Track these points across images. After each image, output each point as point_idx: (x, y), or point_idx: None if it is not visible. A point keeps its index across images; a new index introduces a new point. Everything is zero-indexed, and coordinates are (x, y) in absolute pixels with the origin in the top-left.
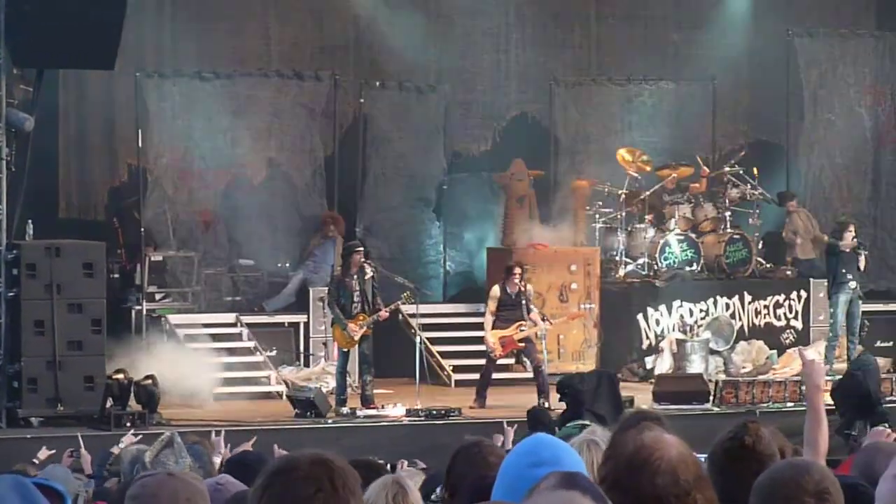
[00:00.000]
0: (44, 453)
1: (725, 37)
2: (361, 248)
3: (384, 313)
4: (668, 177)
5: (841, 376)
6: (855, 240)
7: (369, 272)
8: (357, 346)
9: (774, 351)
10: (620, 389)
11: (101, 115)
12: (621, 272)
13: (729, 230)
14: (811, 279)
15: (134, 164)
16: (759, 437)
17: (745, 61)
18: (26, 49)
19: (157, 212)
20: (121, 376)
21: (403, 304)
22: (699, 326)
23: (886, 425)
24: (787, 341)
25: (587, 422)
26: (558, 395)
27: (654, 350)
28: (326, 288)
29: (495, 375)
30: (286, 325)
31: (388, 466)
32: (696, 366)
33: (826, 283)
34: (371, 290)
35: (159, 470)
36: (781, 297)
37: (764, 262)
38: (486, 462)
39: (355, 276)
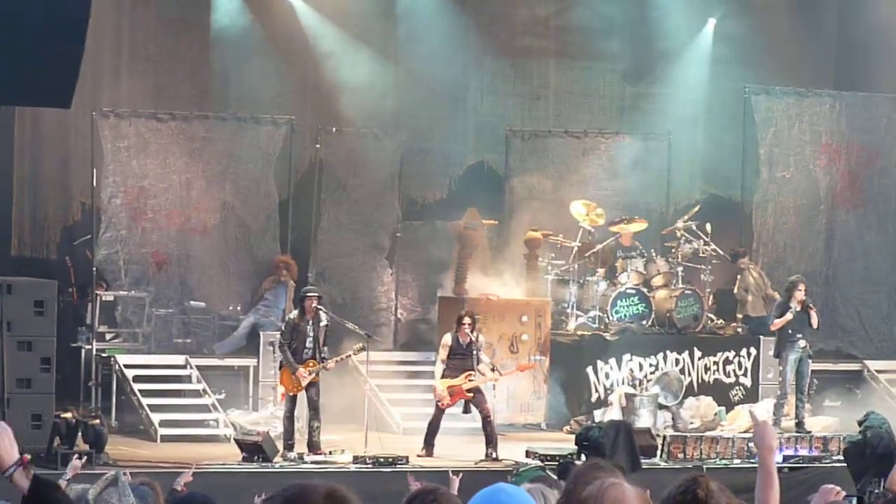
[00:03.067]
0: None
1: (682, 92)
2: (317, 294)
3: (331, 364)
4: (623, 232)
5: (855, 435)
6: (805, 298)
7: (324, 320)
8: (305, 391)
9: (723, 407)
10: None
11: (55, 152)
12: (572, 325)
13: (681, 285)
14: (761, 336)
15: (87, 203)
16: (710, 491)
17: (701, 117)
18: None
19: (110, 251)
20: (69, 415)
21: (355, 354)
22: (648, 381)
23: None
24: (736, 398)
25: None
26: (576, 447)
27: (603, 403)
28: (278, 332)
29: (443, 424)
30: (236, 368)
31: None
32: (644, 420)
33: (774, 344)
34: (324, 336)
35: None
36: (731, 354)
37: (715, 318)
38: None
39: (310, 322)
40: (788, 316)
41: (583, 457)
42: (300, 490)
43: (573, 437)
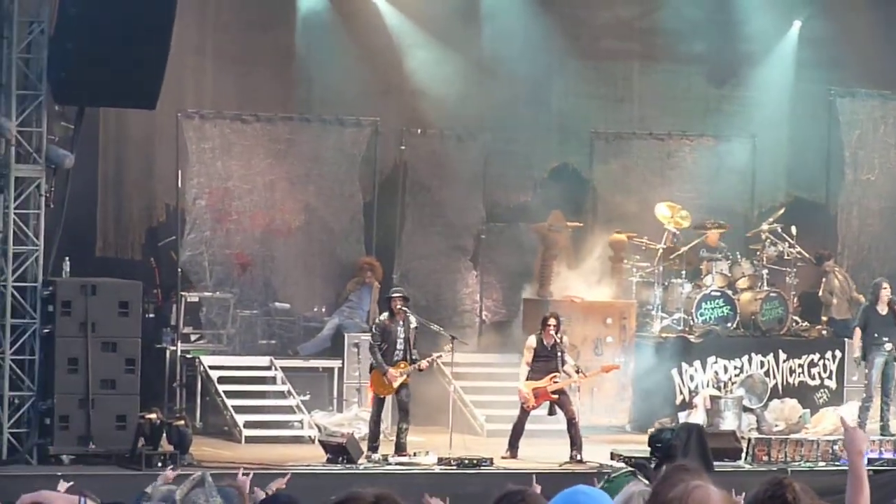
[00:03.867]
0: (63, 486)
1: (767, 94)
2: (401, 295)
3: (424, 364)
4: (709, 232)
5: None
6: (891, 299)
7: (414, 322)
8: (395, 393)
9: (807, 410)
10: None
11: (140, 154)
12: (657, 327)
13: (765, 288)
14: (846, 339)
15: (172, 204)
16: (797, 493)
17: (785, 119)
18: (68, 87)
19: (194, 253)
20: (153, 416)
21: (441, 358)
22: (733, 383)
23: None
24: (821, 401)
25: (634, 469)
26: (650, 449)
27: (688, 405)
28: (361, 334)
29: (528, 426)
30: (320, 369)
31: None
32: (729, 422)
33: (862, 344)
34: (414, 338)
35: None
36: (816, 357)
37: (800, 320)
38: None
39: (401, 324)
40: (857, 335)
41: (655, 459)
42: (349, 495)
43: None
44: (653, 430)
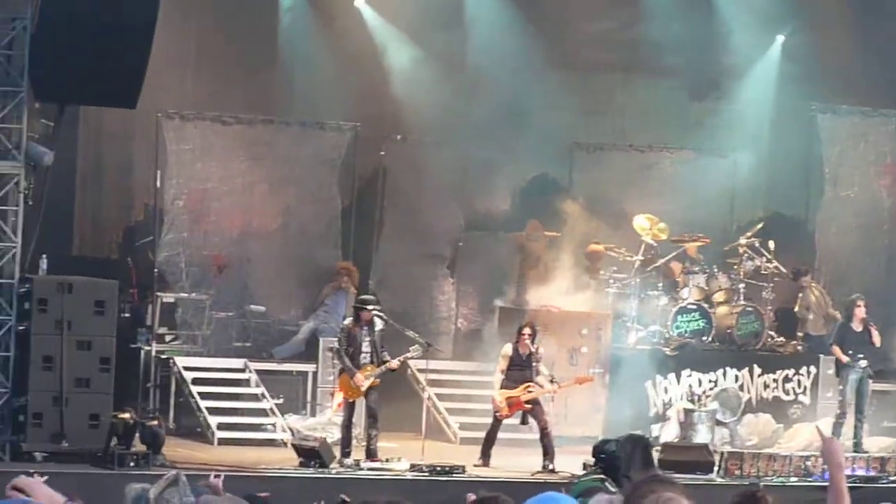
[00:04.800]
0: (38, 479)
1: (748, 108)
2: (373, 308)
3: (394, 363)
4: (688, 245)
5: None
6: (865, 317)
7: (379, 324)
8: (365, 397)
9: (781, 425)
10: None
11: (119, 153)
12: (632, 338)
13: (742, 302)
14: (821, 355)
15: (150, 204)
16: None
17: (766, 134)
18: (48, 84)
19: (171, 253)
20: (127, 416)
21: (412, 357)
22: (707, 397)
23: None
24: (795, 416)
25: (603, 476)
26: (594, 459)
27: (661, 418)
28: (336, 338)
29: (501, 435)
30: (294, 373)
31: None
32: (702, 436)
33: (835, 360)
34: (380, 341)
35: None
36: (791, 372)
37: (775, 335)
38: None
39: (365, 328)
40: (841, 355)
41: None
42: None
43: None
44: (597, 441)
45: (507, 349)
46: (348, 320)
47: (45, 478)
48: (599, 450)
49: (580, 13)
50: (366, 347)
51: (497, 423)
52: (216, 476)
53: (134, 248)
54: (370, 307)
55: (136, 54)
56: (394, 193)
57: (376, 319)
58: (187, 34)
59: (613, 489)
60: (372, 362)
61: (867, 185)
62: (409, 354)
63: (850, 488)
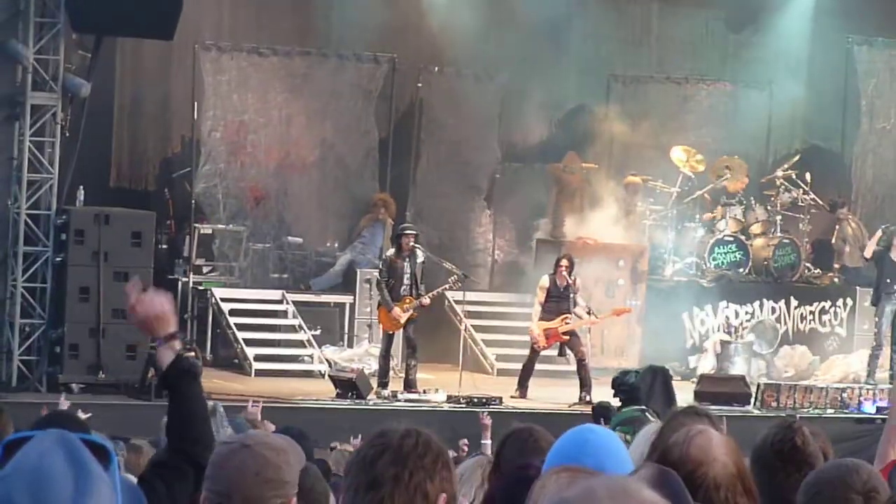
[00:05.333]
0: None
1: (785, 41)
2: (414, 232)
3: (426, 300)
4: (724, 178)
5: None
6: None
7: (421, 256)
8: (403, 329)
9: (817, 357)
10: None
11: (156, 85)
12: (669, 270)
13: (778, 234)
14: (858, 287)
15: (187, 136)
16: (805, 437)
17: (803, 67)
18: (86, 15)
19: (208, 185)
20: None
21: (450, 288)
22: (744, 328)
23: None
24: (831, 348)
25: (644, 407)
26: (613, 391)
27: (698, 350)
28: (374, 270)
29: (538, 366)
30: (332, 304)
31: None
32: (738, 367)
33: (872, 292)
34: (421, 273)
35: (236, 438)
36: (827, 304)
37: (812, 267)
38: (538, 448)
39: (407, 259)
40: (879, 233)
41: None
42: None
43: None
44: (616, 372)
45: (545, 281)
46: (390, 251)
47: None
48: (619, 381)
49: None
50: (406, 280)
51: (534, 354)
52: (254, 403)
53: (171, 180)
54: (408, 232)
55: None
56: (431, 125)
57: (417, 251)
58: None
59: (653, 418)
60: (411, 294)
61: None
62: (443, 287)
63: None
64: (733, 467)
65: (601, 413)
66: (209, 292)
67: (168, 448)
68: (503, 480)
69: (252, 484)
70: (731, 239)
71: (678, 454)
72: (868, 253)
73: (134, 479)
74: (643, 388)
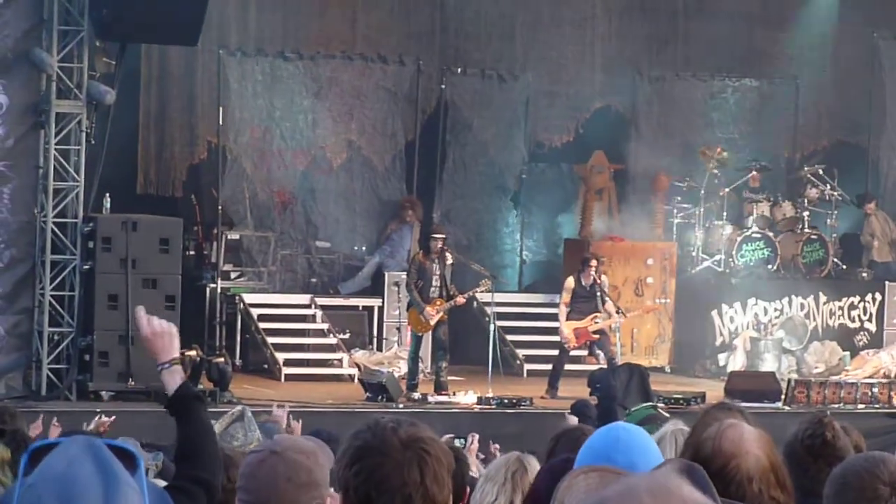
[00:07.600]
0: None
1: (810, 36)
2: (443, 236)
3: (461, 299)
4: (751, 174)
5: None
6: None
7: (450, 259)
8: (432, 331)
9: (847, 353)
10: (651, 384)
11: (182, 91)
12: (697, 268)
13: (806, 230)
14: (887, 282)
15: (214, 142)
16: (836, 432)
17: (829, 62)
18: (110, 22)
19: (235, 190)
20: (193, 353)
21: (481, 291)
22: (773, 325)
23: None
24: (861, 343)
25: (654, 403)
26: (589, 390)
27: (728, 347)
28: (402, 272)
29: (568, 367)
30: (360, 308)
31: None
32: (768, 364)
33: None
34: (450, 276)
35: (264, 445)
36: (856, 299)
37: (840, 263)
38: None
39: (436, 261)
40: None
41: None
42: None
43: (699, 380)
44: (593, 371)
45: (570, 282)
46: (419, 253)
47: (113, 418)
48: (595, 379)
49: None
50: (435, 281)
51: (564, 354)
52: (279, 406)
53: (198, 186)
54: (437, 236)
55: None
56: (456, 127)
57: (446, 253)
58: None
59: (667, 415)
60: (441, 296)
61: None
62: (478, 289)
63: None
64: (766, 460)
65: (580, 410)
66: (238, 298)
67: (177, 473)
68: (548, 473)
69: (285, 489)
70: (759, 236)
71: (710, 448)
72: None
73: (162, 484)
74: (619, 386)
